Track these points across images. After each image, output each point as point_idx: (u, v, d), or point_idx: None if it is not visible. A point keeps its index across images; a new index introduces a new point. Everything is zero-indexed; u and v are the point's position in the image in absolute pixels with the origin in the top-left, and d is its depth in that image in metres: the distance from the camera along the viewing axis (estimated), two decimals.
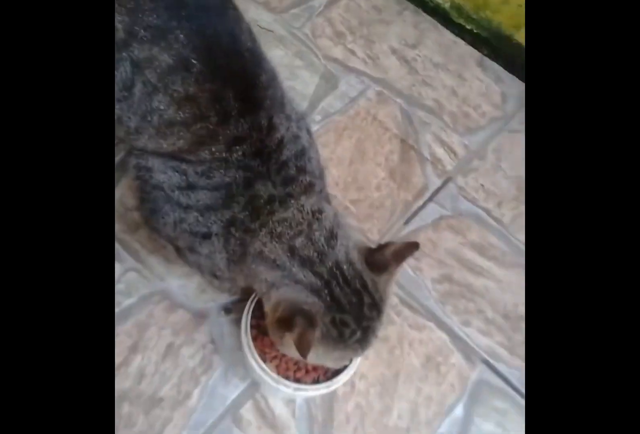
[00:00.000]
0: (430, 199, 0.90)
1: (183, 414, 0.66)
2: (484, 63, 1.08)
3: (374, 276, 0.56)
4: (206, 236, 0.59)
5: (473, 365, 0.77)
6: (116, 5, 0.55)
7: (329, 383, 0.64)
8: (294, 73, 0.98)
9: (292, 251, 0.55)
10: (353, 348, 0.56)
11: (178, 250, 0.65)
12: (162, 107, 0.56)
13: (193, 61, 0.55)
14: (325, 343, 0.54)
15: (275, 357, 0.65)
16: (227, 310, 0.74)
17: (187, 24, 0.56)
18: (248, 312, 0.65)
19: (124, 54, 0.56)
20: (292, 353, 0.56)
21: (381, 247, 0.58)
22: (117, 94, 0.58)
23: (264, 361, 0.63)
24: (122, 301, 0.71)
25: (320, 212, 0.58)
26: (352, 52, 1.03)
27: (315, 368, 0.65)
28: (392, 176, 0.91)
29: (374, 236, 0.85)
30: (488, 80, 1.05)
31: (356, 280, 0.55)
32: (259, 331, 0.65)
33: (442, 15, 1.11)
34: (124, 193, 0.78)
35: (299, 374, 0.64)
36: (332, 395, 0.71)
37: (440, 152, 0.95)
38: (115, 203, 0.77)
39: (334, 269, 0.54)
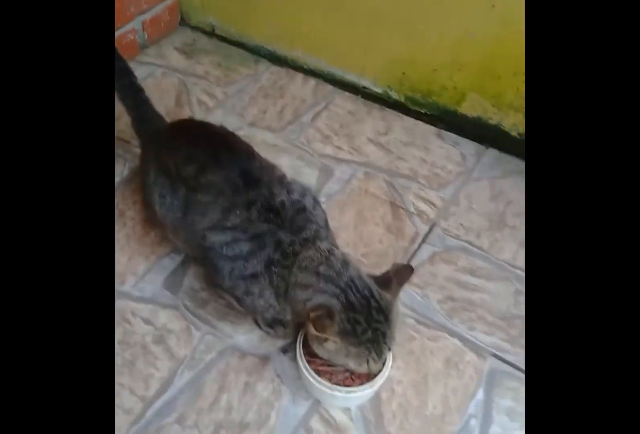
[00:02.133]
0: (423, 242, 1.17)
1: (267, 431, 0.88)
2: (442, 134, 1.40)
3: (380, 289, 0.80)
4: (254, 276, 0.84)
5: (484, 359, 0.98)
6: None
7: (371, 383, 0.86)
8: (299, 172, 1.31)
9: (317, 274, 0.80)
10: (366, 346, 0.77)
11: (238, 299, 0.89)
12: (195, 197, 0.89)
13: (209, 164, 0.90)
14: (343, 336, 0.76)
15: (327, 372, 0.87)
16: (284, 350, 0.98)
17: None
18: (299, 344, 0.89)
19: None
20: (324, 352, 0.79)
21: (386, 271, 0.82)
22: (160, 199, 0.92)
23: (319, 376, 0.86)
24: (205, 358, 0.96)
25: (333, 250, 0.84)
26: (339, 148, 1.37)
27: (359, 376, 0.87)
28: (389, 230, 1.19)
29: None
30: (448, 146, 1.37)
31: (365, 289, 0.78)
32: (310, 356, 0.88)
33: (400, 106, 1.47)
34: (191, 279, 1.07)
35: (347, 382, 0.86)
36: (378, 400, 0.92)
37: (422, 205, 1.24)
38: (187, 289, 1.06)
39: (349, 282, 0.78)
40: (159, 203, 0.97)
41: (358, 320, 0.76)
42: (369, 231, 1.18)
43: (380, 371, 0.86)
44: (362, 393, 0.85)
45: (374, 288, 0.80)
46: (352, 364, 0.80)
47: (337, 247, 0.91)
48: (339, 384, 0.85)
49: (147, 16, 1.58)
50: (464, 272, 1.11)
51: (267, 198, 0.87)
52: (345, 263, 0.82)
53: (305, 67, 1.56)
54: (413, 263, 1.12)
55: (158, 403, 0.90)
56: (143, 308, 1.03)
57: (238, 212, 0.87)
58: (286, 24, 1.50)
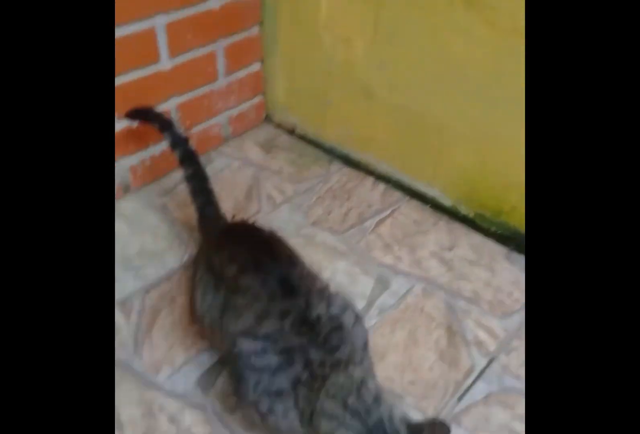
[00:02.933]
0: (478, 377, 1.09)
1: None
2: (511, 257, 1.36)
3: None
4: (279, 393, 0.81)
5: None
6: None
7: None
8: (354, 278, 1.30)
9: (345, 405, 0.75)
10: None
11: (261, 416, 0.85)
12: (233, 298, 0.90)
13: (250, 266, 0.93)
14: None
15: None
16: None
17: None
18: None
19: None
20: None
21: (420, 423, 0.76)
22: (202, 296, 0.93)
23: None
24: None
25: (366, 381, 0.79)
26: (399, 259, 1.36)
27: None
28: (442, 358, 1.13)
29: (431, 413, 1.03)
30: (516, 271, 1.32)
31: None
32: None
33: (469, 222, 1.46)
34: (225, 380, 1.05)
35: None
36: None
37: (482, 334, 1.17)
38: (217, 387, 1.04)
39: (378, 423, 0.73)
40: (201, 301, 0.99)
41: None
42: (419, 355, 1.13)
43: None
44: None
45: None
46: None
47: (373, 374, 0.86)
48: None
49: (233, 112, 1.73)
50: (520, 421, 1.01)
51: (303, 310, 0.86)
52: (378, 398, 0.77)
53: (375, 171, 1.61)
54: (465, 402, 1.04)
55: None
56: (171, 405, 1.01)
57: (272, 321, 0.86)
58: (360, 128, 1.58)
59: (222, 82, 1.62)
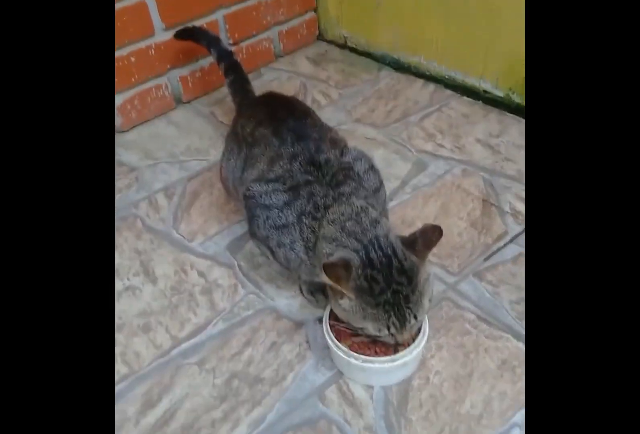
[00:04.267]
0: (510, 241, 1.11)
1: (279, 390, 0.89)
2: None
3: (406, 250, 0.79)
4: (285, 226, 0.90)
5: None
6: None
7: (393, 357, 0.83)
8: (390, 163, 1.36)
9: (343, 228, 0.83)
10: (384, 309, 0.75)
11: (272, 252, 0.95)
12: (251, 151, 1.00)
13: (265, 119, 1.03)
14: (358, 293, 0.76)
15: (350, 341, 0.87)
16: (321, 320, 0.99)
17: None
18: (328, 308, 0.91)
19: None
20: (341, 311, 0.79)
21: (413, 232, 0.81)
22: (226, 162, 1.06)
23: (339, 341, 0.86)
24: (242, 313, 1.03)
25: (367, 208, 0.86)
26: (441, 146, 1.39)
27: (383, 351, 0.85)
28: (474, 226, 1.15)
29: (454, 269, 1.07)
30: None
31: (388, 247, 0.78)
32: (337, 323, 0.89)
33: (523, 111, 1.45)
34: (251, 248, 1.16)
35: (368, 352, 0.85)
36: (407, 385, 0.88)
37: (520, 206, 1.18)
38: (246, 252, 1.15)
39: (373, 239, 0.80)
40: (225, 167, 1.12)
41: (376, 278, 0.77)
42: (449, 223, 1.16)
43: (409, 346, 0.83)
44: (381, 367, 0.83)
45: (399, 247, 0.79)
46: (371, 329, 0.79)
47: (385, 216, 0.92)
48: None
49: (283, 27, 1.83)
50: None
51: (312, 153, 0.94)
52: (376, 221, 0.84)
53: (427, 73, 1.65)
54: (494, 260, 1.07)
55: (186, 345, 0.98)
56: (201, 263, 1.14)
57: (282, 163, 0.95)
58: (409, 32, 1.62)
59: None
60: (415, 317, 0.78)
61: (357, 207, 0.86)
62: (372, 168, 0.98)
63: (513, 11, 1.32)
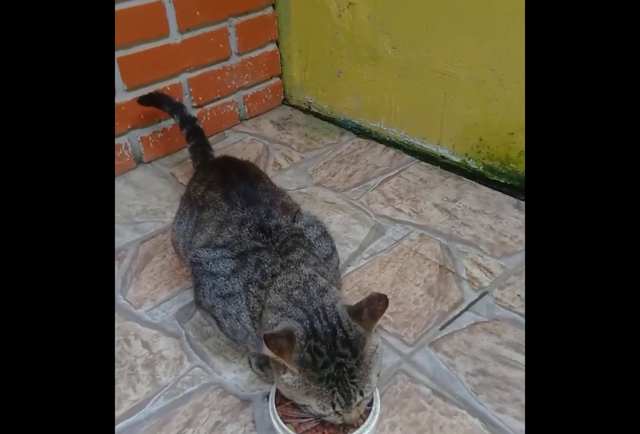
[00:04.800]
0: (466, 309, 1.08)
1: None
2: (520, 205, 1.36)
3: (353, 321, 0.76)
4: (232, 295, 0.86)
5: None
6: None
7: None
8: (349, 228, 1.34)
9: (289, 297, 0.79)
10: (328, 384, 0.71)
11: (218, 322, 0.90)
12: (201, 215, 0.98)
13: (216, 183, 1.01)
14: (301, 367, 0.71)
15: (296, 420, 0.81)
16: (269, 397, 0.94)
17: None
18: (275, 387, 0.85)
19: None
20: (284, 387, 0.74)
21: (359, 302, 0.78)
22: (177, 226, 1.04)
23: (285, 423, 0.81)
24: (185, 389, 0.96)
25: (316, 276, 0.83)
26: (399, 210, 1.39)
27: (332, 433, 0.80)
28: (430, 292, 1.13)
29: (409, 339, 1.03)
30: (524, 217, 1.31)
31: (334, 317, 0.75)
32: (283, 400, 0.83)
33: (479, 177, 1.47)
34: (200, 316, 1.11)
35: None
36: None
37: (477, 272, 1.17)
38: (195, 321, 1.10)
39: (319, 309, 0.76)
40: (176, 230, 1.09)
41: (319, 350, 0.73)
42: (405, 290, 1.14)
43: (358, 427, 0.78)
44: None
45: (345, 317, 0.76)
46: (315, 406, 0.74)
47: (339, 289, 0.89)
48: None
49: (248, 92, 1.87)
50: (507, 346, 0.99)
51: (262, 218, 0.92)
52: (323, 290, 0.81)
53: (387, 138, 1.68)
54: (449, 330, 1.04)
55: (121, 425, 0.91)
56: (147, 332, 1.08)
57: (230, 229, 0.92)
58: (369, 99, 1.67)
59: (235, 59, 1.76)
60: (362, 393, 0.74)
61: (305, 275, 0.83)
62: (324, 234, 0.96)
63: (468, 79, 1.37)
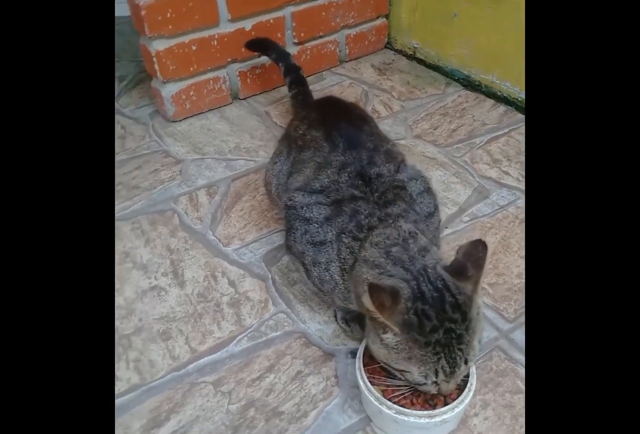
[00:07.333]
0: None
1: (298, 429, 0.80)
2: None
3: (458, 282, 0.69)
4: (323, 243, 0.82)
5: None
6: None
7: (431, 412, 0.73)
8: (449, 187, 1.25)
9: (387, 254, 0.73)
10: (435, 350, 0.65)
11: (306, 269, 0.86)
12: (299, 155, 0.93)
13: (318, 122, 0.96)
14: (405, 329, 0.65)
15: (383, 384, 0.77)
16: (353, 354, 0.90)
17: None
18: (363, 346, 0.81)
19: None
20: (381, 348, 0.70)
21: (455, 258, 0.71)
22: (272, 165, 1.00)
23: (372, 383, 0.77)
24: (269, 333, 0.94)
25: (417, 233, 0.76)
26: (507, 173, 1.28)
27: (419, 402, 0.75)
28: None
29: (509, 315, 0.96)
30: None
31: (439, 281, 0.69)
32: (371, 362, 0.79)
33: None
34: (287, 261, 1.08)
35: (403, 402, 0.75)
36: None
37: None
38: (282, 266, 1.07)
39: (421, 270, 0.70)
40: (271, 170, 1.04)
41: (427, 313, 0.67)
42: (508, 261, 1.05)
43: (456, 396, 0.73)
44: (417, 422, 0.73)
45: (450, 280, 0.70)
46: (415, 374, 0.68)
47: (437, 247, 0.82)
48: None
49: (352, 31, 1.75)
50: None
51: (363, 165, 0.86)
52: (425, 250, 0.74)
53: (499, 93, 1.54)
54: None
55: (204, 360, 0.91)
56: (234, 271, 1.07)
57: (329, 172, 0.87)
58: (484, 46, 1.52)
59: None
60: (466, 361, 0.68)
61: (404, 231, 0.77)
62: (428, 190, 0.89)
63: None
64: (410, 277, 0.70)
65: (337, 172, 0.87)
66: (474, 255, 0.69)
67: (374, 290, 0.65)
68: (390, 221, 0.79)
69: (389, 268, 0.73)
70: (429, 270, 0.71)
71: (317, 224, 0.84)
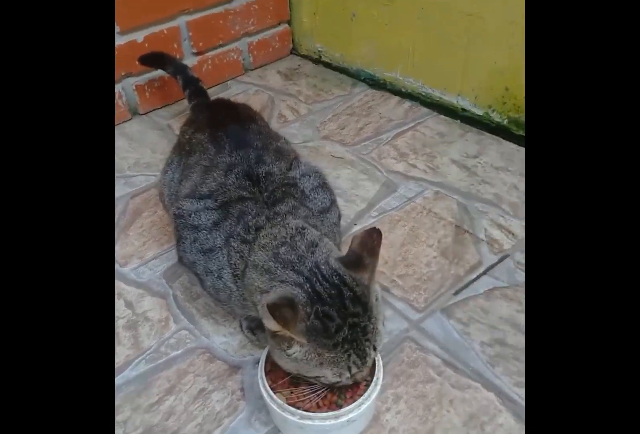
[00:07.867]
0: (484, 273, 0.98)
1: None
2: None
3: (354, 274, 0.66)
4: (212, 250, 0.77)
5: (524, 426, 0.72)
6: None
7: (336, 412, 0.68)
8: (358, 184, 1.23)
9: (275, 256, 0.69)
10: (344, 349, 0.62)
11: (200, 279, 0.81)
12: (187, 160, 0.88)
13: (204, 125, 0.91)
14: (311, 336, 0.62)
15: (287, 390, 0.72)
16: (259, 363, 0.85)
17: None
18: (265, 353, 0.76)
19: None
20: (290, 362, 0.65)
21: (350, 248, 0.68)
22: (163, 175, 0.94)
23: (275, 393, 0.72)
24: (169, 353, 0.88)
25: (304, 228, 0.73)
26: (413, 166, 1.28)
27: (326, 404, 0.71)
28: (444, 255, 1.03)
29: (419, 304, 0.93)
30: None
31: (334, 276, 0.65)
32: (274, 368, 0.74)
33: (503, 131, 1.34)
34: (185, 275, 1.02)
35: (308, 406, 0.70)
36: None
37: (497, 233, 1.06)
38: (184, 281, 1.01)
39: (314, 269, 0.66)
40: (162, 180, 0.99)
41: (329, 314, 0.63)
42: (417, 251, 1.04)
43: (360, 394, 0.69)
44: (322, 425, 0.68)
45: (345, 273, 0.66)
46: (329, 376, 0.65)
47: (338, 248, 0.79)
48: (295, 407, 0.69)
49: (254, 39, 1.73)
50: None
51: (251, 165, 0.82)
52: (313, 244, 0.70)
53: (403, 89, 1.55)
54: (465, 295, 0.94)
55: None
56: (132, 292, 1.00)
57: (216, 175, 0.82)
58: (385, 45, 1.52)
59: (239, 2, 1.62)
60: (375, 348, 0.66)
61: (292, 228, 0.73)
62: (322, 185, 0.85)
63: (496, 19, 1.22)
64: (302, 280, 0.66)
65: (224, 174, 0.83)
66: (369, 243, 0.66)
67: (273, 309, 0.60)
68: (279, 219, 0.75)
69: (279, 272, 0.69)
70: (322, 266, 0.67)
71: (206, 230, 0.79)
